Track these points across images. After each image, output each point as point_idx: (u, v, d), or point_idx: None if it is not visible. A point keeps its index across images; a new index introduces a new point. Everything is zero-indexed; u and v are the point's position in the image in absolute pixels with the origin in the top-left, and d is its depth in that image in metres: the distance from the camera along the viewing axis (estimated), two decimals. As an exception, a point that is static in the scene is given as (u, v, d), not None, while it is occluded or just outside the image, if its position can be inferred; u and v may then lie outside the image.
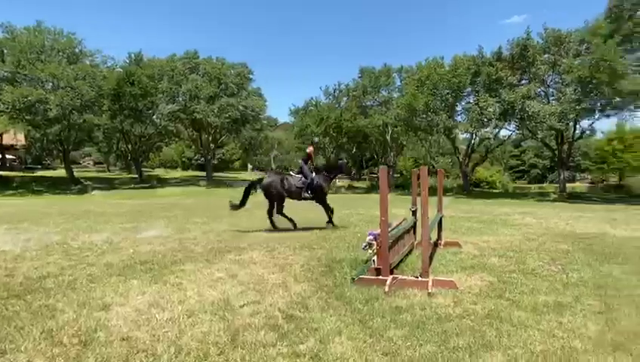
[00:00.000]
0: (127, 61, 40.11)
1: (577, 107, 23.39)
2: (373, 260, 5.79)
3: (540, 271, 5.99)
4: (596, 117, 26.09)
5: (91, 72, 35.45)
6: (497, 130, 28.65)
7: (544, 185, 50.82)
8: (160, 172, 59.56)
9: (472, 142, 31.09)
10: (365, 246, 6.23)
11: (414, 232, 7.60)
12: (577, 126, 26.38)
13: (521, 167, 65.05)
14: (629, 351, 3.31)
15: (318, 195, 10.55)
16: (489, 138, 30.27)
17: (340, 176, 13.20)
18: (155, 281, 5.43)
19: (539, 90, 26.02)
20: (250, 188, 10.62)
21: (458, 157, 31.66)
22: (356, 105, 36.79)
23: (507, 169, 58.72)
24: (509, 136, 31.36)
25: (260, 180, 10.55)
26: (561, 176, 28.25)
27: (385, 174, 5.70)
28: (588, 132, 28.04)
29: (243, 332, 3.72)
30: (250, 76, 44.94)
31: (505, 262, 6.52)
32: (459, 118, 29.00)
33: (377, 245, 5.70)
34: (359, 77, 39.42)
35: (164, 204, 22.10)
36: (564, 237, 9.06)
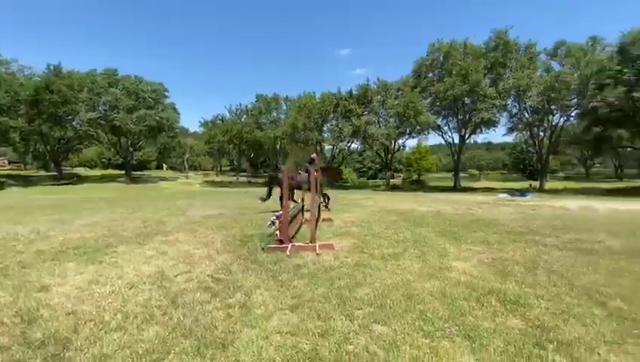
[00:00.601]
0: (46, 71, 32.36)
1: (397, 131, 26.83)
2: (276, 234, 5.81)
3: (382, 233, 6.60)
4: (406, 138, 30.12)
5: (7, 78, 27.66)
6: (350, 144, 31.25)
7: (377, 180, 56.53)
8: (80, 170, 49.52)
9: (334, 151, 33.32)
10: (269, 223, 6.22)
11: (302, 213, 7.81)
12: (396, 143, 30.18)
13: (363, 169, 71.13)
14: (438, 278, 3.96)
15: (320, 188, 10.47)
16: (344, 149, 32.87)
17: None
18: (91, 262, 4.59)
19: (374, 119, 28.91)
20: (272, 183, 10.11)
21: (324, 162, 33.72)
22: (254, 121, 36.09)
23: (355, 170, 63.98)
24: (357, 149, 34.26)
25: (277, 176, 10.01)
26: (387, 175, 32.03)
27: (287, 173, 5.75)
28: (402, 147, 32.26)
29: (181, 295, 3.41)
30: (166, 93, 40.37)
31: (361, 230, 7.00)
32: (325, 135, 30.76)
33: (280, 222, 5.75)
34: (256, 101, 38.77)
35: (87, 198, 18.55)
36: (392, 213, 9.93)
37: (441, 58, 25.73)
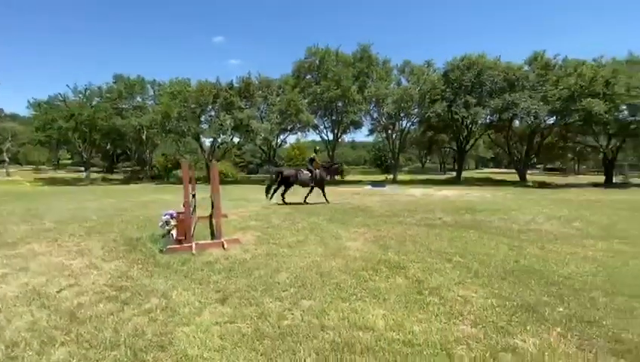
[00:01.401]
0: None
1: (279, 127, 27.66)
2: (172, 233, 5.44)
3: (281, 225, 7.02)
4: (287, 134, 31.37)
5: None
6: (232, 137, 30.23)
7: (259, 175, 56.57)
8: None
9: (215, 144, 31.56)
10: (162, 224, 5.74)
11: (194, 211, 7.41)
12: (279, 138, 31.09)
13: (242, 163, 69.76)
14: (340, 256, 4.65)
15: (320, 184, 11.34)
16: (227, 142, 31.61)
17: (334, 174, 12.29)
18: None
19: (257, 113, 28.93)
20: (277, 176, 11.04)
21: (204, 155, 31.41)
22: (111, 106, 30.15)
23: (234, 164, 62.08)
24: (239, 142, 33.43)
25: (281, 172, 11.03)
26: (271, 169, 32.70)
27: (186, 167, 5.41)
28: (283, 142, 33.44)
29: (79, 310, 2.95)
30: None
31: (260, 223, 7.23)
32: (204, 126, 28.72)
33: (177, 221, 5.40)
34: (114, 82, 32.40)
35: None
36: (285, 206, 10.38)
37: (317, 62, 28.03)
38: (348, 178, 41.57)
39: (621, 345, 2.35)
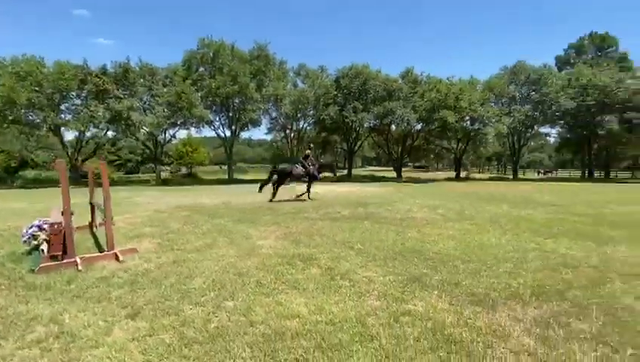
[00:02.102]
0: None
1: (168, 121, 24.93)
2: (43, 249, 4.52)
3: (182, 229, 6.56)
4: (177, 128, 28.54)
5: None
6: (105, 131, 25.64)
7: (139, 174, 49.61)
8: None
9: (82, 139, 26.09)
10: (28, 238, 4.70)
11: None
12: (167, 134, 28.00)
13: (118, 161, 60.06)
14: (254, 255, 4.72)
15: (312, 180, 11.82)
16: (98, 137, 26.61)
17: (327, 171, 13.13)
18: None
19: (138, 104, 25.39)
20: (272, 174, 11.65)
21: (67, 152, 25.58)
22: None
23: (109, 162, 52.68)
24: (115, 137, 28.60)
25: (276, 167, 11.72)
26: (157, 168, 29.15)
27: (63, 168, 4.50)
28: (172, 138, 30.24)
29: None
30: None
31: (156, 229, 6.59)
32: (66, 117, 23.42)
33: (53, 233, 4.49)
34: None
35: None
36: (182, 208, 9.66)
37: (212, 55, 26.43)
38: (249, 176, 40.73)
39: (475, 297, 3.24)
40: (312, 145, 15.41)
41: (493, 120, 28.24)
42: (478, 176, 43.25)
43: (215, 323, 2.72)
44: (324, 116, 28.62)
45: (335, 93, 28.64)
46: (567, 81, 30.08)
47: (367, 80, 28.37)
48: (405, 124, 28.09)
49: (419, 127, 31.37)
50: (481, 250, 4.97)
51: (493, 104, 30.39)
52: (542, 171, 56.03)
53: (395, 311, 2.94)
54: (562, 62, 42.46)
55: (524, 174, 47.31)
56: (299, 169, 11.58)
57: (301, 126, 33.76)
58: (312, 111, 30.68)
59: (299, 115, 31.11)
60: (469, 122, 30.08)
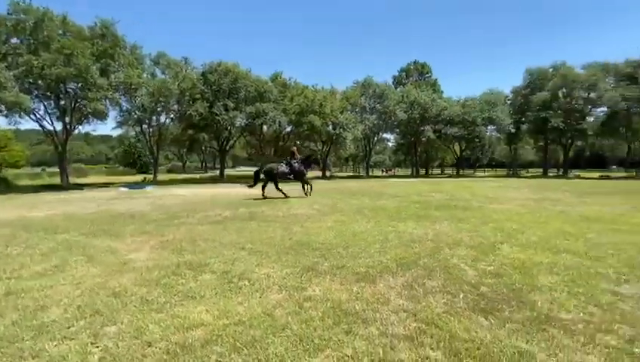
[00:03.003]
0: None
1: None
2: None
3: (5, 253, 5.00)
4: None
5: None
6: None
7: None
8: None
9: None
10: None
11: None
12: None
13: None
14: (129, 271, 4.06)
15: (300, 177, 12.12)
16: None
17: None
18: None
19: None
20: (258, 172, 12.02)
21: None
22: None
23: None
24: None
25: (263, 167, 12.12)
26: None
27: None
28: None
29: None
30: None
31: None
32: None
33: None
34: None
35: None
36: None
37: (32, 24, 20.04)
38: (88, 180, 33.24)
39: (359, 275, 3.82)
40: (297, 143, 15.45)
41: (351, 126, 32.63)
42: (339, 174, 49.00)
43: (98, 354, 2.27)
44: (192, 112, 26.44)
45: (203, 88, 26.87)
46: (401, 97, 37.77)
47: (237, 78, 27.83)
48: (277, 126, 29.06)
49: (289, 129, 33.05)
50: (355, 236, 5.80)
51: (350, 112, 35.04)
52: (384, 169, 68.32)
53: (297, 299, 3.16)
54: (397, 82, 52.94)
55: (372, 172, 56.50)
56: (283, 167, 11.89)
57: (162, 121, 30.07)
58: (175, 106, 27.79)
59: (159, 109, 27.61)
60: (331, 127, 33.76)
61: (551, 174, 38.91)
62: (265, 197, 11.61)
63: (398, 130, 42.15)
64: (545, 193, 14.03)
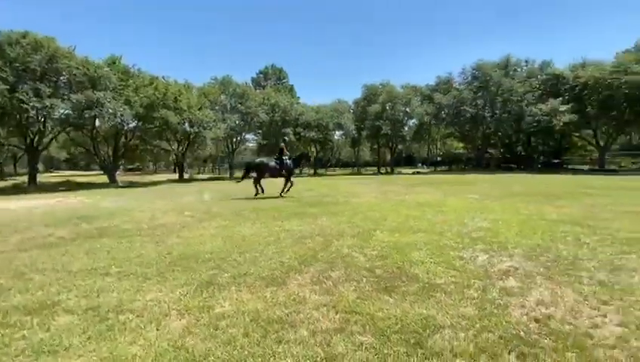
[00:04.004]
0: None
1: None
2: None
3: None
4: None
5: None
6: None
7: None
8: None
9: None
10: None
11: None
12: None
13: None
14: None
15: (289, 173, 11.94)
16: None
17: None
18: None
19: None
20: (249, 167, 12.22)
21: None
22: None
23: None
24: None
25: (252, 161, 12.64)
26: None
27: None
28: None
29: None
30: None
31: None
32: None
33: None
34: None
35: None
36: None
37: None
38: None
39: (265, 279, 3.66)
40: (285, 139, 15.05)
41: (211, 124, 30.69)
42: (200, 176, 45.38)
43: None
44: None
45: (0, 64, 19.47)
46: (262, 99, 38.31)
47: (54, 57, 21.49)
48: (119, 120, 24.19)
49: (133, 124, 28.07)
50: (246, 240, 5.52)
51: (209, 110, 32.93)
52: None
53: (208, 320, 2.75)
54: (256, 83, 53.37)
55: (235, 174, 55.07)
56: (273, 163, 11.81)
57: None
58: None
59: None
60: (187, 125, 30.83)
61: (382, 171, 48.16)
62: (258, 194, 11.70)
63: (260, 132, 42.62)
64: (386, 187, 17.21)
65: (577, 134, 34.64)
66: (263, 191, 11.86)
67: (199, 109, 29.79)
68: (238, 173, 61.05)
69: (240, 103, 36.81)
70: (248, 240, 5.53)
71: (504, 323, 2.59)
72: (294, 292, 3.31)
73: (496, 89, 33.81)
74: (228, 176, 41.32)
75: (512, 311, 2.80)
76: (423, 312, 2.80)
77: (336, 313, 2.83)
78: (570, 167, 34.81)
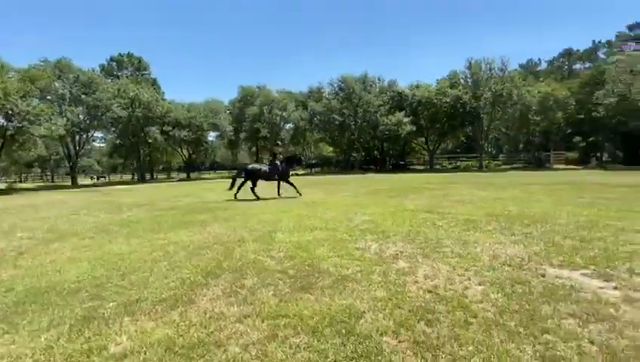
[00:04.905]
0: None
1: None
2: None
3: None
4: None
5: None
6: None
7: None
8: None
9: None
10: None
11: None
12: None
13: None
14: None
15: (284, 177, 12.05)
16: None
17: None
18: None
19: None
20: (239, 173, 12.28)
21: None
22: None
23: None
24: None
25: (245, 168, 12.00)
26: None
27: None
28: None
29: None
30: None
31: None
32: None
33: None
34: None
35: None
36: None
37: None
38: None
39: (167, 301, 3.15)
40: (279, 143, 15.58)
41: (42, 118, 23.93)
42: (24, 186, 34.54)
43: None
44: None
45: None
46: (117, 91, 32.38)
47: None
48: None
49: None
50: (124, 260, 4.58)
51: (38, 100, 25.61)
52: (96, 176, 56.12)
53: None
54: (106, 72, 44.66)
55: (80, 181, 44.66)
56: (266, 168, 11.85)
57: None
58: None
59: None
60: (2, 117, 23.21)
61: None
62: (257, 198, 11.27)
63: (115, 129, 35.92)
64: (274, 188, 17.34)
65: (415, 141, 43.60)
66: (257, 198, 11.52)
67: (22, 97, 22.87)
68: (85, 180, 49.73)
69: (85, 94, 30.15)
70: (128, 259, 4.63)
71: (407, 298, 3.06)
72: (208, 308, 2.98)
73: (357, 101, 38.94)
74: (70, 183, 33.04)
75: (409, 287, 3.33)
76: (343, 303, 3.00)
77: (263, 321, 2.72)
78: (411, 167, 43.44)
